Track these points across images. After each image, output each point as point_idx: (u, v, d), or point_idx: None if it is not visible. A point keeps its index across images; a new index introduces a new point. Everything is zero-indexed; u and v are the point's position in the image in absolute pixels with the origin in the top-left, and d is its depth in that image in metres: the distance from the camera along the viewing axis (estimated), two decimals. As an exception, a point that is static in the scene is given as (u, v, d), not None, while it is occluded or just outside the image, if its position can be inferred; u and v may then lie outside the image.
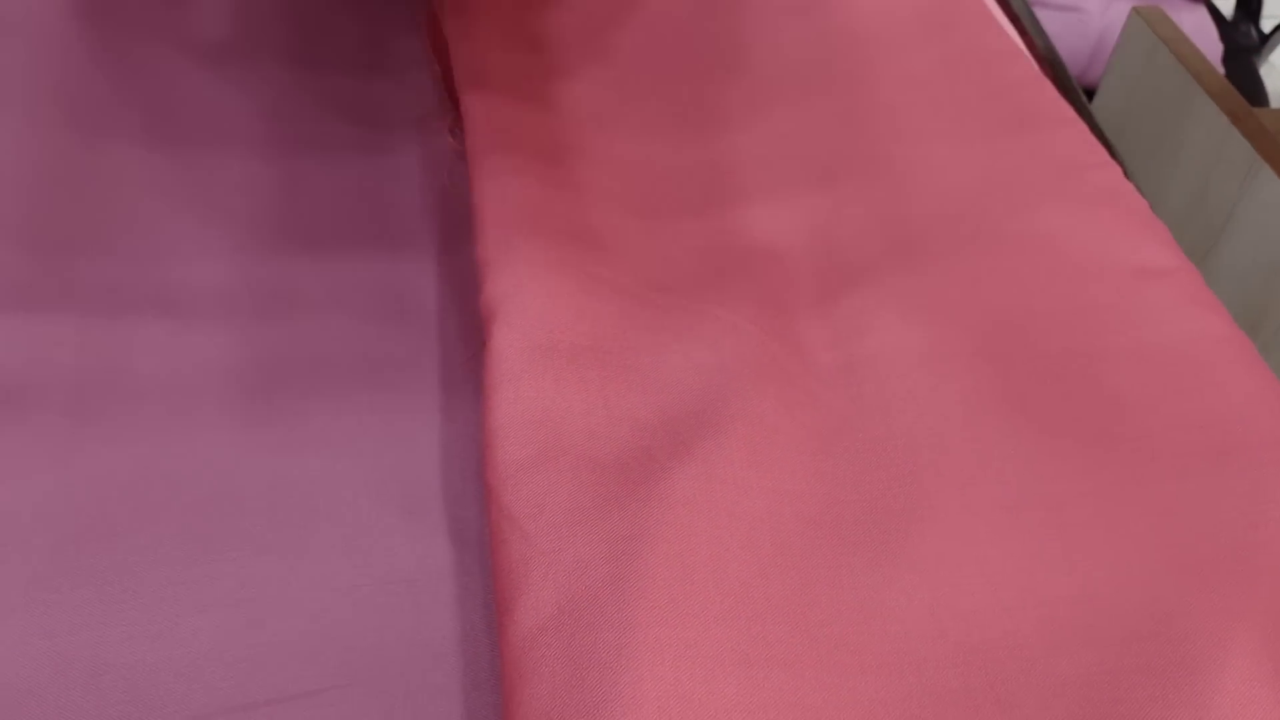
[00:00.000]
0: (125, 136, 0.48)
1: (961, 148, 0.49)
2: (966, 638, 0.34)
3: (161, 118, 0.49)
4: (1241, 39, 1.12)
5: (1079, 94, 0.61)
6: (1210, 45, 1.04)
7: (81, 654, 0.33)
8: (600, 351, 0.38)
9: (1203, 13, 1.05)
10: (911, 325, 0.41)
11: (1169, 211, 0.67)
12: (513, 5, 0.54)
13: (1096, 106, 0.75)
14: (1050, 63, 0.62)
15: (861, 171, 0.48)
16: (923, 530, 0.36)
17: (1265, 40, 1.14)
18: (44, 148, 0.46)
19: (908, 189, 0.47)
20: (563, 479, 0.34)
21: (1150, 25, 0.69)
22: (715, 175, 0.48)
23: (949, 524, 0.36)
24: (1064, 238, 0.44)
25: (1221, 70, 1.05)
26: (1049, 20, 1.00)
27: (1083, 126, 0.51)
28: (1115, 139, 0.69)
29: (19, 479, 0.37)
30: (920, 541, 0.36)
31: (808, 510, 0.36)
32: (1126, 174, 0.49)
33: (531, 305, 0.39)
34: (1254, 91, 1.09)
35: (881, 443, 0.38)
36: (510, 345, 0.37)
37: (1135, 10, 0.70)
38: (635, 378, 0.38)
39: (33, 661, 0.33)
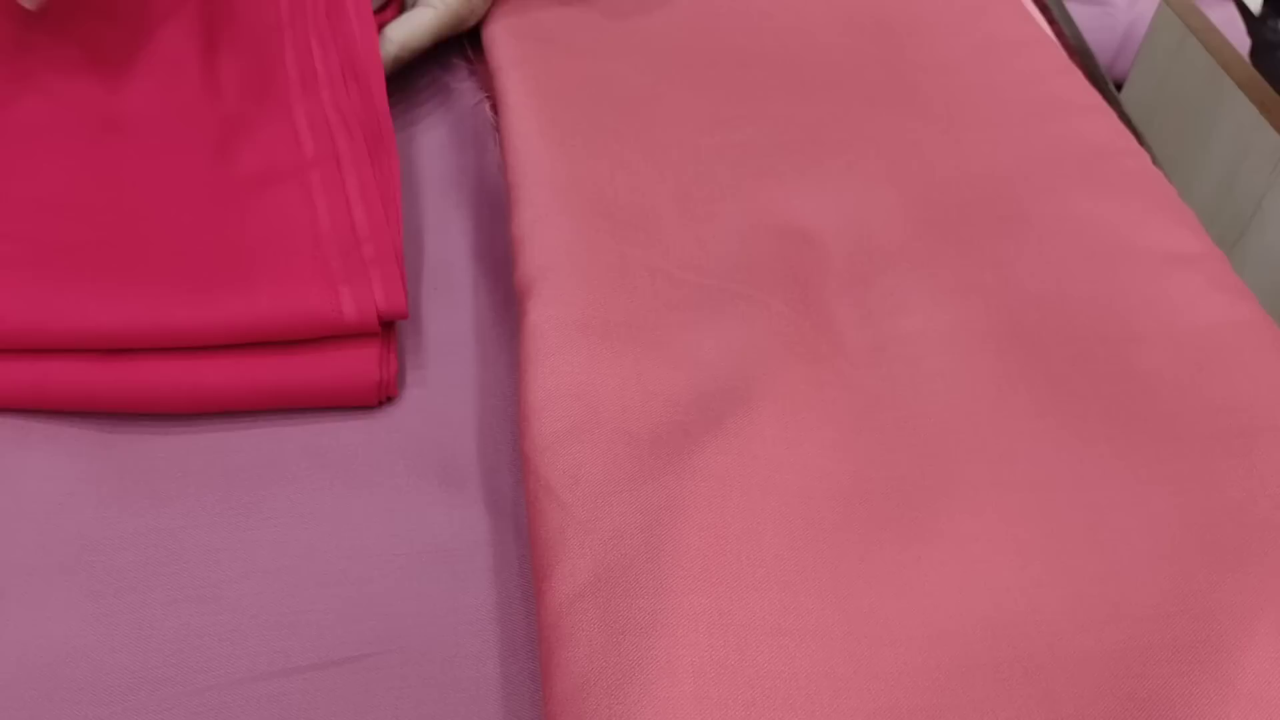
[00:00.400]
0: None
1: (991, 133, 0.50)
2: (994, 612, 0.34)
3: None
4: (1269, 34, 1.12)
5: (1108, 83, 0.62)
6: (1237, 40, 1.04)
7: (126, 616, 0.34)
8: (633, 328, 0.39)
9: (1230, 8, 1.05)
10: (942, 306, 0.42)
11: (1197, 200, 0.67)
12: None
13: (1125, 97, 0.75)
14: (1080, 52, 0.62)
15: (891, 155, 0.48)
16: (952, 507, 0.36)
17: (1293, 35, 1.13)
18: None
19: (938, 173, 0.48)
20: (598, 451, 0.35)
21: (1180, 16, 0.69)
22: (746, 158, 0.48)
23: (978, 501, 0.36)
24: (1094, 222, 0.45)
25: (1249, 64, 1.04)
26: (1076, 12, 1.00)
27: (1112, 114, 0.51)
28: (1144, 129, 0.69)
29: (66, 445, 0.38)
30: (950, 518, 0.36)
31: (838, 486, 0.36)
32: (1155, 163, 0.49)
33: (566, 282, 0.39)
34: (1281, 87, 1.09)
35: (912, 421, 0.39)
36: (546, 321, 0.38)
37: (1165, 1, 0.70)
38: (668, 354, 0.39)
39: (80, 621, 0.34)
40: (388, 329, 0.40)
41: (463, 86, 0.53)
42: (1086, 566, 0.35)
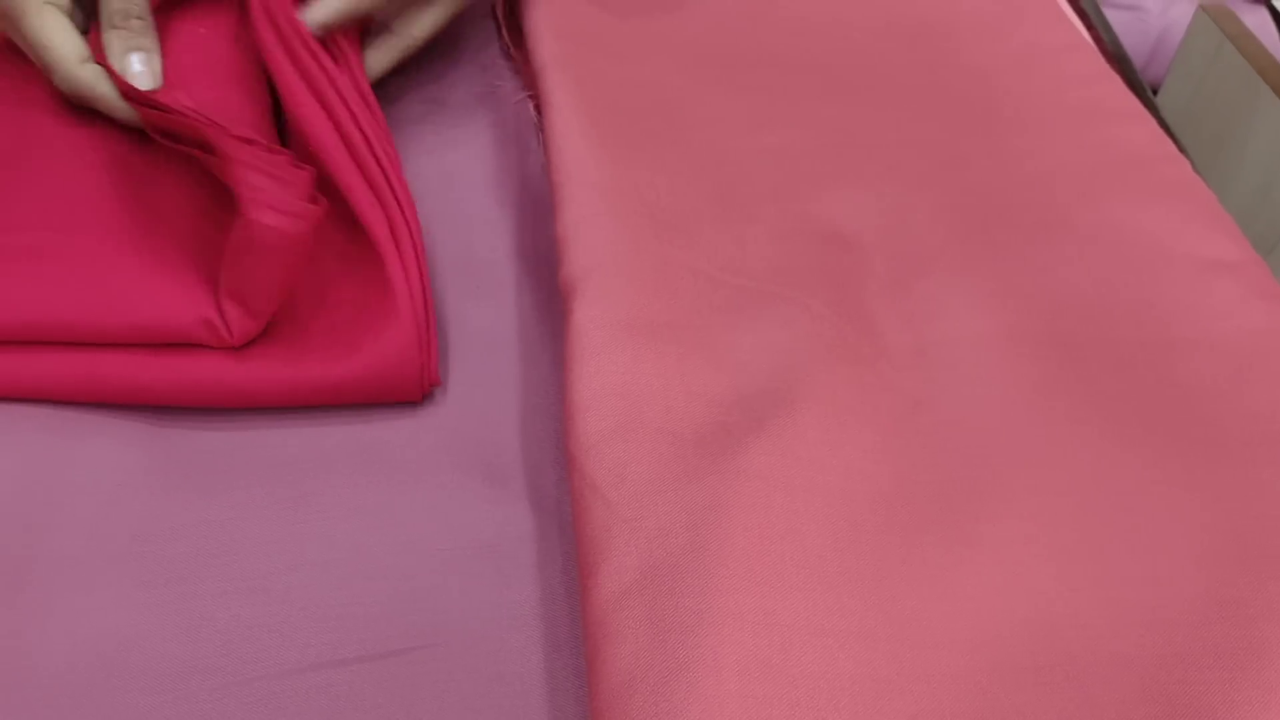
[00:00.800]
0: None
1: (1031, 138, 0.50)
2: (1035, 616, 0.34)
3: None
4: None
5: (1145, 89, 0.61)
6: (1272, 45, 1.04)
7: (178, 606, 0.34)
8: (676, 329, 0.39)
9: (1263, 13, 1.04)
10: (982, 310, 0.42)
11: (1234, 207, 0.66)
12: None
13: (1160, 103, 0.75)
14: (1117, 59, 0.62)
15: (930, 159, 0.49)
16: (992, 510, 0.36)
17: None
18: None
19: (977, 177, 0.48)
20: (642, 450, 0.35)
21: (1216, 22, 0.69)
22: (785, 161, 0.48)
23: (1018, 505, 0.37)
24: (1133, 229, 0.45)
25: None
26: (1109, 19, 1.00)
27: (1151, 120, 0.51)
28: (1180, 135, 0.69)
29: (117, 437, 0.38)
30: (990, 521, 0.36)
31: (880, 488, 0.37)
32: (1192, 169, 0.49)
33: (611, 283, 0.40)
34: (1314, 93, 1.08)
35: (953, 425, 0.39)
36: (591, 321, 0.38)
37: (1202, 7, 0.70)
38: (710, 356, 0.39)
39: (133, 611, 0.34)
40: (425, 326, 0.41)
41: (505, 85, 0.54)
42: (1126, 571, 0.35)
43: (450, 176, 0.49)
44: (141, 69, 0.43)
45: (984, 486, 0.37)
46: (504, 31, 0.57)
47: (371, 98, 0.46)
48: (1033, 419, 0.39)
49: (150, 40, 0.44)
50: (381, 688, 0.33)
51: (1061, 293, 0.43)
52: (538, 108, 0.52)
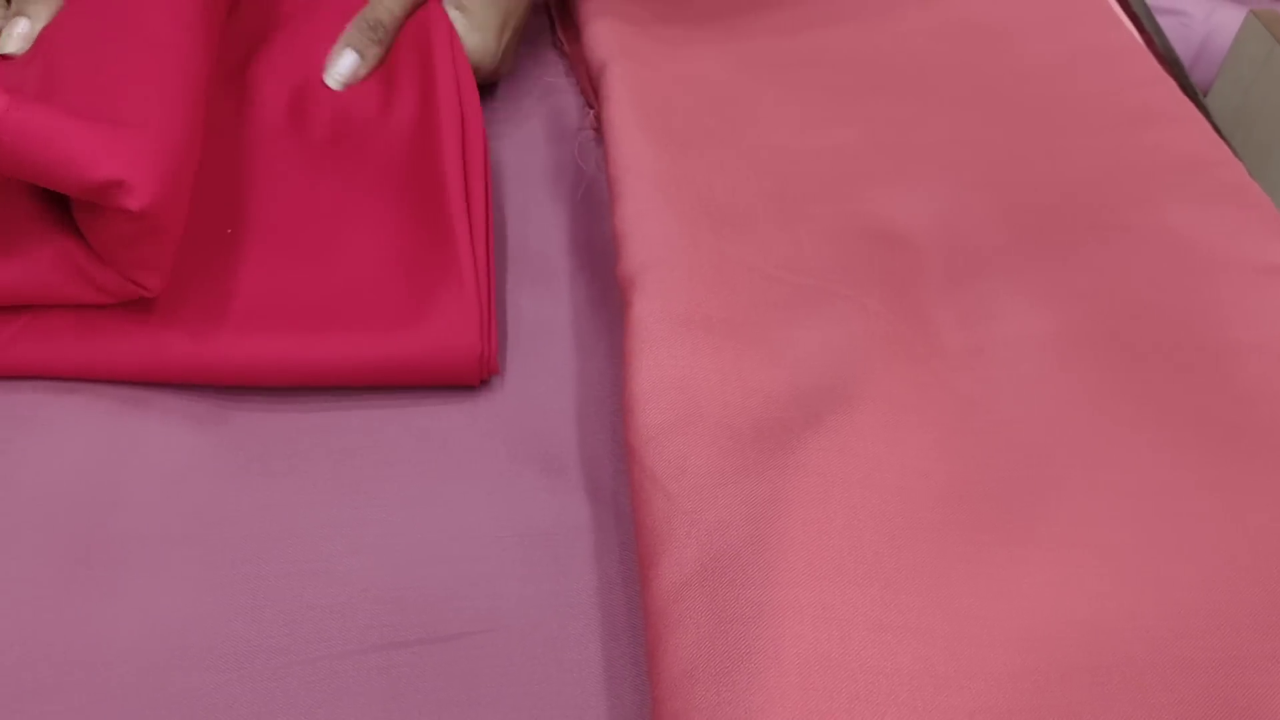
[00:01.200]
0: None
1: (1085, 140, 0.50)
2: (1092, 617, 0.34)
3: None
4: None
5: (1198, 93, 0.61)
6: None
7: (241, 588, 0.35)
8: (734, 325, 0.39)
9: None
10: (1038, 311, 0.42)
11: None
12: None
13: (1209, 108, 0.74)
14: (1169, 62, 0.62)
15: (986, 159, 0.49)
16: (1050, 511, 0.36)
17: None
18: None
19: (1032, 178, 0.48)
20: (701, 443, 0.35)
21: (1268, 27, 0.68)
22: (841, 160, 0.48)
23: (1075, 506, 0.37)
24: (1189, 232, 0.45)
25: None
26: (1153, 22, 0.99)
27: (1205, 124, 0.51)
28: (1229, 140, 0.68)
29: (183, 419, 0.39)
30: (1047, 522, 0.36)
31: (937, 487, 0.37)
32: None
33: (669, 277, 0.40)
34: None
35: (1009, 425, 0.39)
36: (650, 314, 0.39)
37: (1253, 12, 0.69)
38: (767, 352, 0.39)
39: (197, 591, 0.35)
40: (487, 310, 0.41)
41: (559, 81, 0.54)
42: (1184, 575, 0.35)
43: (504, 169, 0.50)
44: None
45: (1040, 487, 0.37)
46: (557, 27, 0.58)
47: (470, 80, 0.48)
48: (1089, 421, 0.39)
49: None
50: (441, 671, 0.33)
51: (1117, 295, 0.43)
52: (589, 103, 0.52)
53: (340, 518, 0.36)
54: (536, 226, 0.47)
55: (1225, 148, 0.49)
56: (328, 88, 0.47)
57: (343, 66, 0.48)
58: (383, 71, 0.48)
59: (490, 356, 0.40)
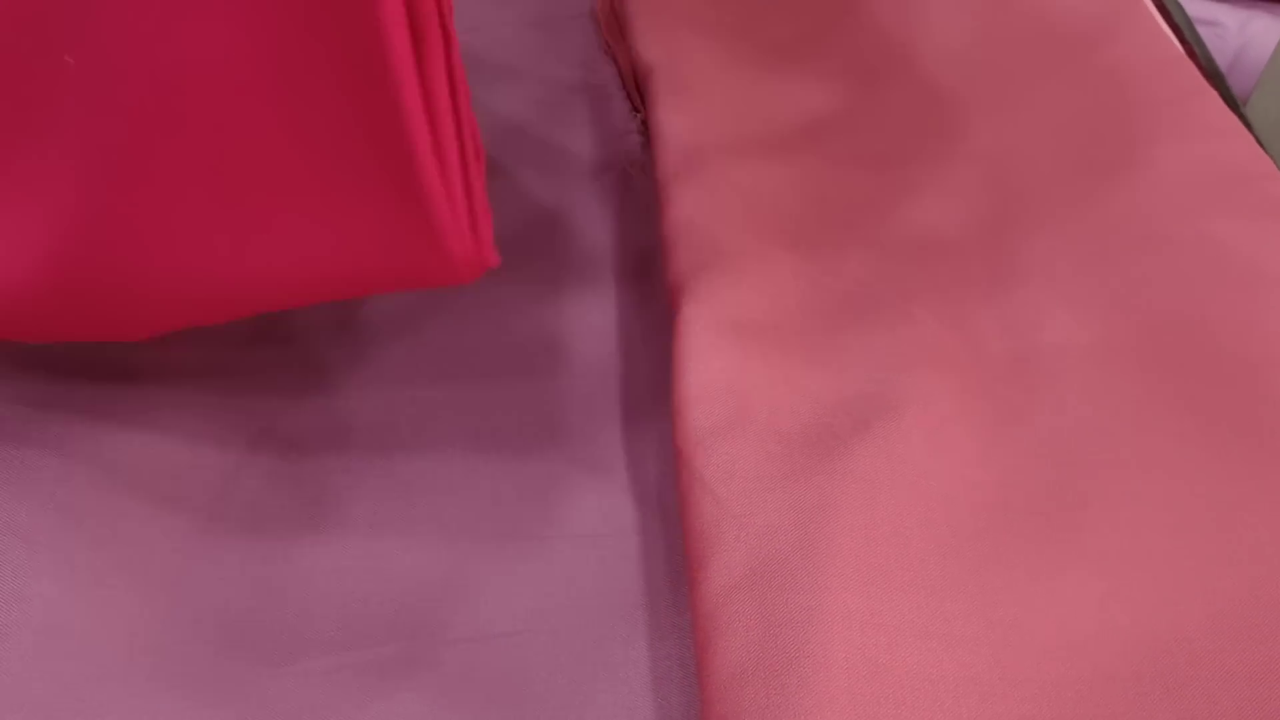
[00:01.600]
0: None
1: (1129, 151, 0.50)
2: (1135, 628, 0.34)
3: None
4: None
5: (1239, 105, 0.61)
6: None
7: (295, 582, 0.35)
8: (781, 331, 0.40)
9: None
10: (1082, 322, 0.42)
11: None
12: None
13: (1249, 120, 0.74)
14: (1211, 74, 0.62)
15: (1027, 169, 0.49)
16: (1093, 522, 0.37)
17: None
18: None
19: (1075, 188, 0.48)
20: (750, 447, 0.36)
21: (1309, 40, 0.68)
22: (883, 168, 0.49)
23: (1118, 517, 0.37)
24: (1235, 245, 0.45)
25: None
26: (1189, 32, 0.99)
27: (1250, 138, 0.51)
28: (1270, 152, 0.68)
29: (229, 423, 0.39)
30: (1091, 533, 0.36)
31: (982, 496, 0.37)
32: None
33: (718, 282, 0.40)
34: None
35: (1053, 435, 0.39)
36: (699, 319, 0.39)
37: (1295, 24, 0.69)
38: (814, 358, 0.39)
39: (251, 585, 0.35)
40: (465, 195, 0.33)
41: (605, 82, 0.55)
42: (1228, 587, 0.35)
43: (549, 171, 0.50)
44: None
45: (1084, 497, 0.37)
46: (603, 28, 0.58)
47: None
48: (1133, 433, 0.39)
49: None
50: (491, 667, 0.34)
51: (1163, 308, 0.43)
52: (636, 107, 0.53)
53: (391, 513, 0.37)
54: (581, 228, 0.47)
55: (1270, 161, 0.49)
56: None
57: None
58: None
59: (487, 249, 0.34)
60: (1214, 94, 0.54)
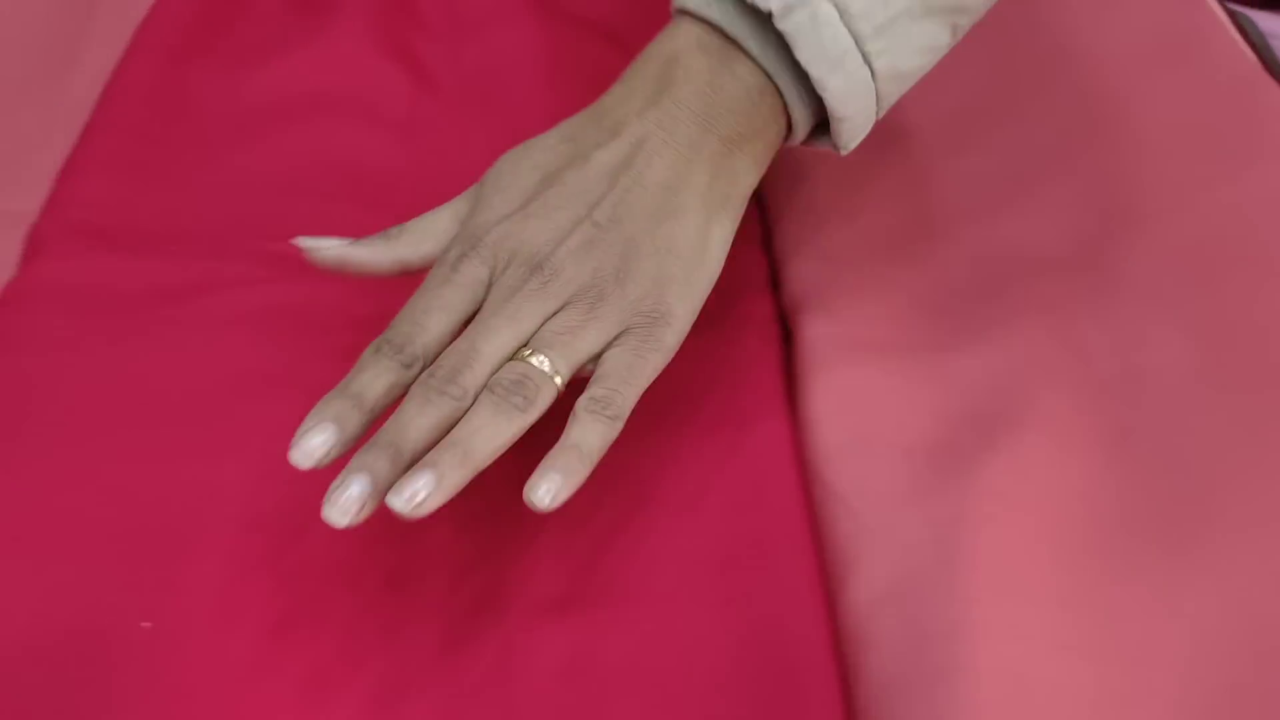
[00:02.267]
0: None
1: (1219, 168, 0.50)
2: (1258, 641, 0.35)
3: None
4: None
5: (1316, 124, 0.62)
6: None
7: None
8: (900, 347, 0.41)
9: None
10: (1188, 339, 0.43)
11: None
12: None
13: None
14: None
15: (1122, 186, 0.49)
16: (1212, 536, 0.37)
17: None
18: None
19: (1169, 206, 0.48)
20: (879, 463, 0.37)
21: (1378, 56, 0.68)
22: (975, 188, 0.49)
23: (1235, 534, 0.37)
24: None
25: None
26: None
27: (1338, 157, 0.52)
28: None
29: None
30: (1210, 547, 0.37)
31: (1103, 510, 0.38)
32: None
33: (835, 301, 0.41)
34: None
35: (1166, 450, 0.40)
36: (820, 336, 0.40)
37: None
38: (933, 373, 0.40)
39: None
40: None
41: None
42: (1349, 602, 0.36)
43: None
44: None
45: (1200, 513, 0.38)
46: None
47: None
48: (1245, 451, 0.40)
49: None
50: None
51: (1265, 325, 0.43)
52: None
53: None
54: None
55: (1361, 181, 0.50)
56: None
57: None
58: None
59: None
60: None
